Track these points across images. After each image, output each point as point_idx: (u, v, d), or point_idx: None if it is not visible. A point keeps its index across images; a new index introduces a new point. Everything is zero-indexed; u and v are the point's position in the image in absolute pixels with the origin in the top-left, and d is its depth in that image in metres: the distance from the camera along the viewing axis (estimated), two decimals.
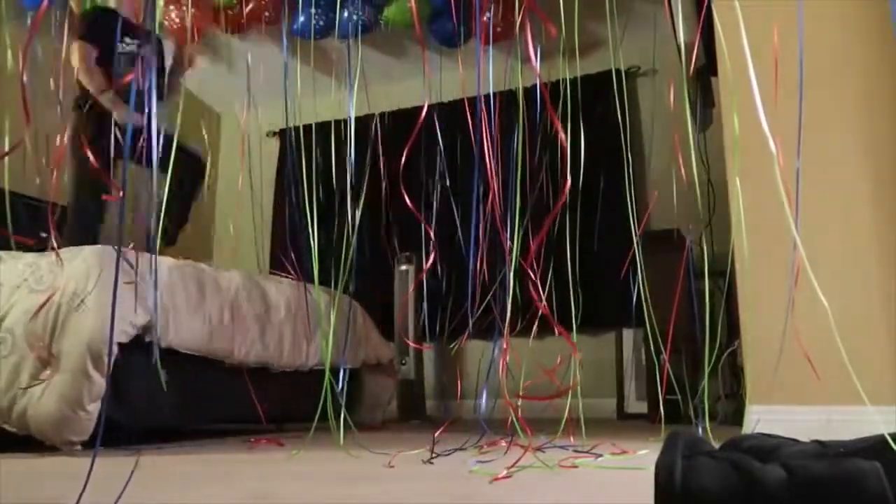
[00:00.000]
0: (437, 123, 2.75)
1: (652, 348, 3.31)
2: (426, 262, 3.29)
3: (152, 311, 2.21)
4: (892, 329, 1.85)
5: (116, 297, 1.04)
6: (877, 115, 2.02)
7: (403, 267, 4.32)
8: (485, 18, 4.03)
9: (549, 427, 2.29)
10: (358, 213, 2.23)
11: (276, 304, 2.94)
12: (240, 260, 4.85)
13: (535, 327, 2.24)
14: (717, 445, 0.88)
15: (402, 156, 2.24)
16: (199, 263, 2.74)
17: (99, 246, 2.32)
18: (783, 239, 1.88)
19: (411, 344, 4.10)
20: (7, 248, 2.37)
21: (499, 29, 3.95)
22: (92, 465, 0.90)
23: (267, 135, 5.35)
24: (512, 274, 1.74)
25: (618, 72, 4.21)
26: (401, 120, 4.73)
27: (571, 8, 2.23)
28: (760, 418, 1.85)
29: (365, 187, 3.21)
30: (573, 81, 3.20)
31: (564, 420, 2.04)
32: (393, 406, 3.86)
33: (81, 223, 3.09)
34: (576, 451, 1.83)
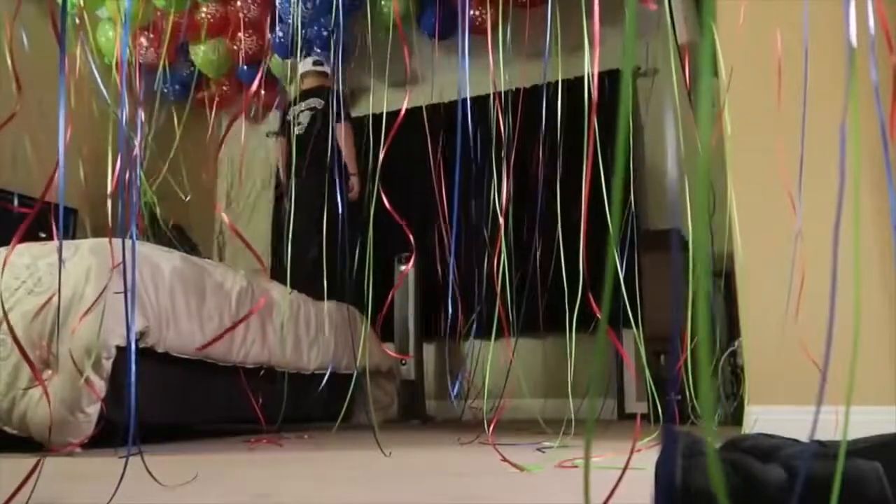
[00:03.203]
0: (427, 122, 2.74)
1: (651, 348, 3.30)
2: (440, 258, 3.29)
3: (131, 297, 2.20)
4: (892, 329, 1.84)
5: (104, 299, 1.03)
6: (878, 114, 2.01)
7: (403, 267, 4.31)
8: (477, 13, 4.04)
9: (550, 427, 2.29)
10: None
11: (279, 305, 2.93)
12: (240, 260, 4.84)
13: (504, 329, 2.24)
14: (717, 445, 0.88)
15: (403, 156, 2.24)
16: (202, 261, 2.73)
17: (97, 241, 2.29)
18: (783, 239, 1.88)
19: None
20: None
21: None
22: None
23: (267, 135, 5.35)
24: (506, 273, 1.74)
25: (617, 71, 4.22)
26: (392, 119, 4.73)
27: (573, 9, 2.23)
28: (760, 418, 1.85)
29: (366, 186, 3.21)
30: (572, 81, 3.20)
31: (529, 416, 2.04)
32: (394, 407, 3.85)
33: None
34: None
